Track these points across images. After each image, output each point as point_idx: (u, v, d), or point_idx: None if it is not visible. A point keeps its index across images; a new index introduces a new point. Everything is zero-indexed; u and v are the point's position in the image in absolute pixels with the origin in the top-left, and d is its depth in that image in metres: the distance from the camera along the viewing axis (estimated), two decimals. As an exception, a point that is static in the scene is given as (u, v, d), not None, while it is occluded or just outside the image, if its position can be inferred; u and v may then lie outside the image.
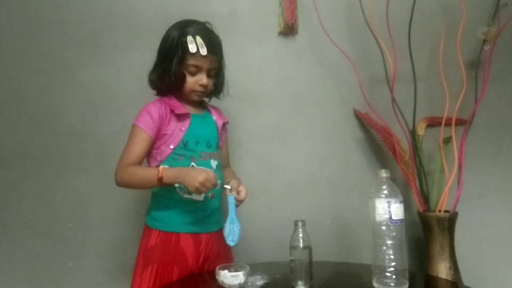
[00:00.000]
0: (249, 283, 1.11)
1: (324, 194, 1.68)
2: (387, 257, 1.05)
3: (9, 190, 1.60)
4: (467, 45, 1.61)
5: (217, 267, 1.08)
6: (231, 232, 1.18)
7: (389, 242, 1.05)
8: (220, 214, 1.35)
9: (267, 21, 1.69)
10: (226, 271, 1.05)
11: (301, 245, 1.09)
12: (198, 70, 1.28)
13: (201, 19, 1.68)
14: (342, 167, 1.69)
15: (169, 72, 1.27)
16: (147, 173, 1.21)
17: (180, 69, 1.27)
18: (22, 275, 1.58)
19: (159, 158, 1.27)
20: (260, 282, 1.14)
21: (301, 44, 1.71)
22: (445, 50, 1.58)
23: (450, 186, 1.49)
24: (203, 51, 1.24)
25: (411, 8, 1.53)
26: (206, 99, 1.44)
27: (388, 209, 1.05)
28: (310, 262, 1.09)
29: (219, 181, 1.25)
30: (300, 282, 1.08)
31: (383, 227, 1.05)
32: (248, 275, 1.08)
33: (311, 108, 1.70)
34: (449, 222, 1.46)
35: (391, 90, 1.56)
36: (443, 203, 1.50)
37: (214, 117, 1.40)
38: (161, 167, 1.18)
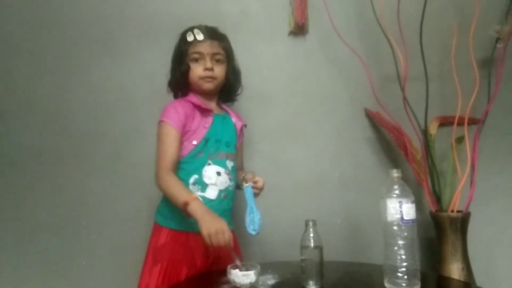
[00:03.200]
0: (260, 282, 1.12)
1: (334, 194, 1.68)
2: (399, 257, 1.04)
3: (23, 190, 1.63)
4: (479, 43, 1.59)
5: (228, 266, 1.08)
6: (252, 222, 1.19)
7: (400, 242, 1.04)
8: (231, 215, 1.36)
9: (277, 20, 1.69)
10: (237, 270, 1.06)
11: (312, 244, 1.09)
12: (200, 56, 1.30)
13: (212, 19, 1.69)
14: (353, 166, 1.69)
15: (177, 68, 1.33)
16: (178, 193, 1.18)
17: (185, 61, 1.31)
18: (36, 273, 1.60)
19: (181, 154, 1.27)
20: (271, 282, 1.15)
21: (312, 43, 1.71)
22: (458, 48, 1.56)
23: (463, 186, 1.47)
24: (200, 37, 1.29)
25: (422, 6, 1.52)
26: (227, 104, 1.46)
27: (400, 209, 1.04)
28: (321, 262, 1.09)
29: (250, 183, 1.25)
30: (311, 282, 1.08)
31: (395, 227, 1.05)
32: (259, 274, 1.08)
33: (322, 108, 1.70)
34: (462, 222, 1.44)
35: (402, 89, 1.55)
36: (455, 203, 1.48)
37: (233, 119, 1.41)
38: (193, 195, 1.16)
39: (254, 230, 1.18)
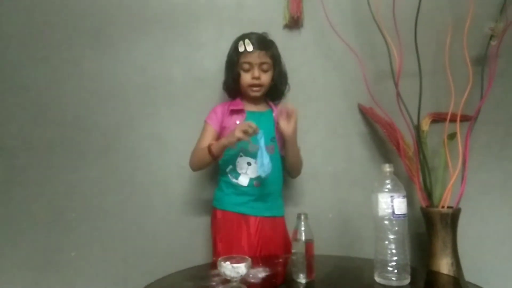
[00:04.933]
0: (250, 275, 1.12)
1: (326, 188, 1.68)
2: (389, 252, 1.05)
3: (12, 180, 1.61)
4: (473, 40, 1.60)
5: (219, 258, 1.08)
6: (261, 165, 1.34)
7: (391, 236, 1.05)
8: (272, 202, 1.48)
9: (272, 13, 1.68)
10: (228, 262, 1.05)
11: (303, 238, 1.09)
12: (250, 66, 1.46)
13: (207, 11, 1.70)
14: (345, 161, 1.69)
15: (229, 74, 1.51)
16: (201, 150, 1.43)
17: (237, 69, 1.48)
18: (25, 264, 1.59)
19: None
20: (262, 275, 1.15)
21: (306, 37, 1.70)
22: (452, 45, 1.57)
23: (454, 182, 1.48)
24: (249, 48, 1.44)
25: (417, 2, 1.52)
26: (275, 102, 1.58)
27: (391, 203, 1.05)
28: (312, 256, 1.09)
29: (260, 130, 1.35)
30: (301, 275, 1.08)
31: (386, 222, 1.05)
32: (250, 267, 1.08)
33: (315, 102, 1.69)
34: (452, 218, 1.45)
35: (396, 85, 1.55)
36: (446, 199, 1.49)
37: (274, 113, 1.53)
38: (212, 142, 1.41)
39: (264, 172, 1.34)
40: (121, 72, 1.65)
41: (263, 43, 1.48)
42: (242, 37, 1.48)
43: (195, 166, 1.47)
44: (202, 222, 1.61)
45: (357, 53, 1.62)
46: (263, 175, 1.35)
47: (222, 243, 1.43)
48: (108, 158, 1.63)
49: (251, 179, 1.45)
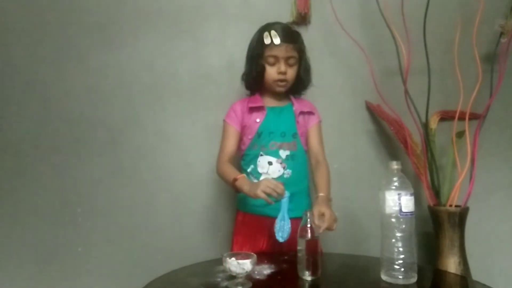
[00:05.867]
0: (255, 272, 1.11)
1: (332, 186, 1.65)
2: (396, 250, 1.03)
3: (19, 176, 1.62)
4: (483, 37, 1.58)
5: (224, 254, 1.07)
6: (281, 229, 1.23)
7: (398, 234, 1.04)
8: (297, 202, 1.33)
9: (279, 10, 1.67)
10: (233, 258, 1.05)
11: (309, 235, 1.08)
12: (276, 60, 1.37)
13: (213, 7, 1.68)
14: (352, 159, 1.68)
15: (253, 67, 1.41)
16: (229, 175, 1.33)
17: (261, 62, 1.38)
18: (31, 259, 1.59)
19: (243, 148, 1.44)
20: (267, 271, 1.14)
21: (314, 34, 1.69)
22: (461, 42, 1.55)
23: (462, 181, 1.46)
24: (276, 41, 1.35)
25: (427, -1, 1.51)
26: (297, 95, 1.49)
27: (399, 201, 1.03)
28: (318, 253, 1.09)
29: (287, 192, 1.22)
30: (307, 273, 1.07)
31: (393, 219, 1.04)
32: (255, 264, 1.07)
33: (322, 99, 1.68)
34: (460, 217, 1.44)
35: (404, 82, 1.54)
36: (454, 198, 1.48)
37: (295, 107, 1.45)
38: (240, 174, 1.31)
39: (282, 237, 1.23)
40: (127, 69, 1.65)
41: (290, 35, 1.39)
42: (267, 27, 1.39)
43: (221, 178, 1.40)
44: (207, 219, 1.61)
45: (364, 50, 1.61)
46: (281, 240, 1.22)
47: (237, 246, 1.39)
48: (114, 154, 1.63)
49: (272, 179, 1.33)
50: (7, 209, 1.60)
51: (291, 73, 1.40)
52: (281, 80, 1.39)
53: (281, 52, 1.36)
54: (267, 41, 1.36)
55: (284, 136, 1.40)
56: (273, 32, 1.36)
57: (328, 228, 1.20)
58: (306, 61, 1.46)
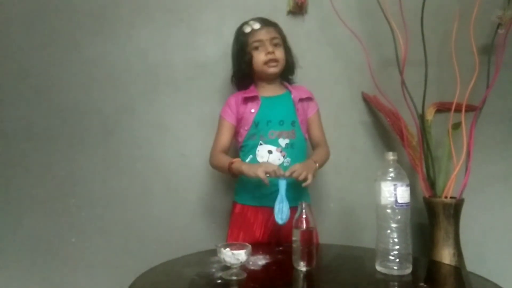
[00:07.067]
0: (250, 263, 1.11)
1: (328, 177, 1.67)
2: (391, 241, 1.03)
3: (12, 166, 1.60)
4: (480, 29, 1.57)
5: (219, 245, 1.07)
6: (280, 211, 1.24)
7: (393, 225, 1.04)
8: (295, 191, 1.31)
9: (276, -1, 1.66)
10: (228, 249, 1.04)
11: (304, 226, 1.08)
12: (261, 43, 1.39)
13: (209, -4, 1.65)
14: (347, 150, 1.68)
15: (241, 60, 1.42)
16: (222, 162, 1.37)
17: (248, 51, 1.40)
18: (24, 250, 1.58)
19: (240, 140, 1.44)
20: (262, 262, 1.14)
21: (311, 24, 1.68)
22: (458, 33, 1.54)
23: (457, 173, 1.46)
24: (256, 26, 1.39)
25: (425, -11, 1.49)
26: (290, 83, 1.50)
27: (394, 192, 1.03)
28: (313, 244, 1.08)
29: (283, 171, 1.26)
30: (301, 263, 1.07)
31: (388, 210, 1.04)
32: (250, 254, 1.07)
33: (319, 90, 1.66)
34: (455, 209, 1.44)
35: (401, 73, 1.53)
36: (449, 190, 1.48)
37: (293, 95, 1.45)
38: (236, 159, 1.34)
39: (281, 219, 1.23)
40: (122, 58, 1.63)
41: (268, 20, 1.44)
42: (244, 22, 1.44)
43: (214, 168, 1.44)
44: (202, 209, 1.61)
45: (361, 40, 1.60)
46: (280, 222, 1.23)
47: (232, 238, 1.40)
48: (108, 144, 1.61)
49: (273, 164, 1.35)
50: (1, 199, 1.59)
51: (279, 52, 1.41)
52: (271, 60, 1.39)
53: (264, 35, 1.39)
54: (247, 29, 1.40)
55: (282, 125, 1.40)
56: (251, 22, 1.41)
57: (296, 176, 1.24)
58: (288, 44, 1.47)
